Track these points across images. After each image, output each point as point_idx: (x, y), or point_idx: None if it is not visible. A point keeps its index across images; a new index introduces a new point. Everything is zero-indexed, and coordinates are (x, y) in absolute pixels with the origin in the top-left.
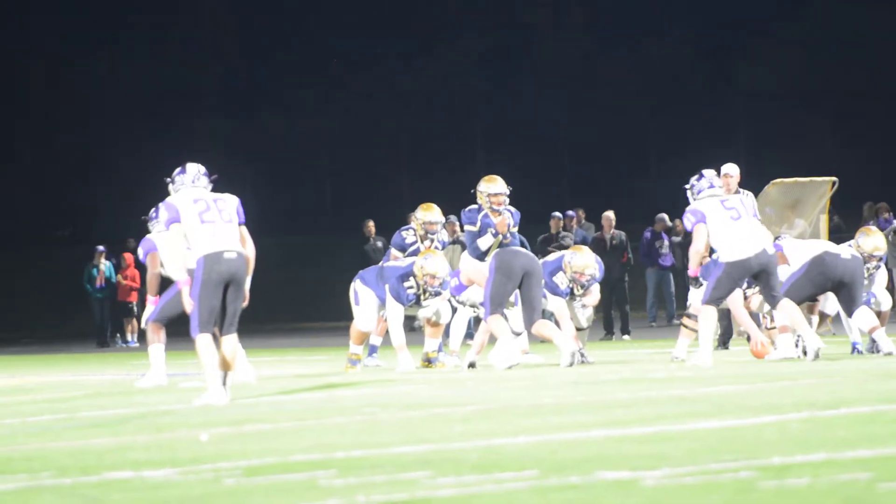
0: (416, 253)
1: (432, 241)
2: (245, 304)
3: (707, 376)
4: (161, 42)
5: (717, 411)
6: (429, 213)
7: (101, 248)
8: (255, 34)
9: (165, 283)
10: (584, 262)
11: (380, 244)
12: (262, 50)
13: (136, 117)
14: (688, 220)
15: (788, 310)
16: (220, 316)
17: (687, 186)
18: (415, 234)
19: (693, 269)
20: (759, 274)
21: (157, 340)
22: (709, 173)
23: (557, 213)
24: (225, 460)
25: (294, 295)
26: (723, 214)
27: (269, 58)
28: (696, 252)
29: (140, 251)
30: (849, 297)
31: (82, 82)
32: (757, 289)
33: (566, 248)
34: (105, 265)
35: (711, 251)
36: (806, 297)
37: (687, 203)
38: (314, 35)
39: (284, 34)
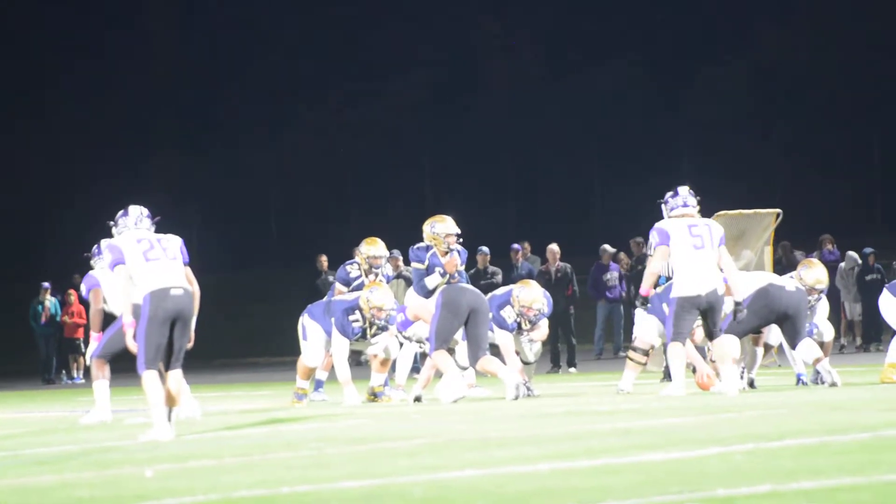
0: (360, 287)
1: (377, 275)
2: (190, 345)
3: (651, 408)
4: (108, 82)
5: (662, 443)
6: (373, 248)
7: (46, 284)
8: (203, 70)
9: (109, 319)
10: (531, 296)
11: (331, 279)
12: (209, 85)
13: (82, 157)
14: (652, 237)
15: (726, 346)
16: (166, 352)
17: (661, 201)
18: (359, 269)
19: (645, 289)
20: (705, 311)
21: (102, 376)
22: (683, 191)
23: (484, 248)
24: (170, 496)
25: (240, 330)
26: (687, 241)
27: (216, 94)
28: (651, 273)
29: (83, 287)
30: (793, 329)
31: (30, 121)
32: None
33: (497, 284)
34: (50, 301)
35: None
36: (751, 328)
37: (651, 222)
38: (262, 68)
39: (233, 69)
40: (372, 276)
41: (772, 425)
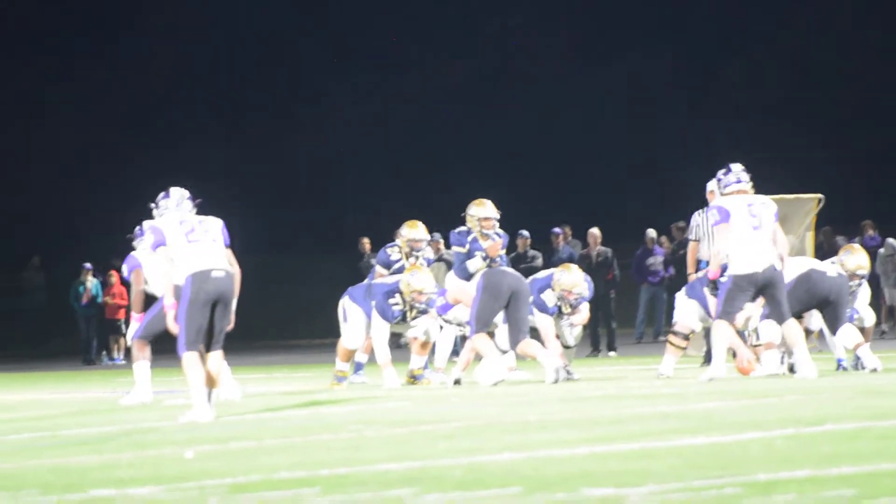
0: (401, 270)
1: (417, 258)
2: (230, 327)
3: (692, 392)
4: (144, 60)
5: (702, 428)
6: (414, 231)
7: (87, 265)
8: (238, 49)
9: (150, 301)
10: (572, 280)
11: (373, 261)
12: (248, 66)
13: (121, 135)
14: (712, 216)
15: (793, 330)
16: (207, 334)
17: (712, 182)
18: (400, 252)
19: (713, 272)
20: (764, 288)
21: (143, 357)
22: (736, 167)
23: (524, 232)
24: (210, 478)
25: (281, 312)
26: (746, 220)
27: (255, 75)
28: (716, 253)
29: (124, 268)
30: (833, 315)
31: (63, 103)
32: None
33: (537, 268)
34: (92, 282)
35: (699, 263)
36: (793, 314)
37: (698, 206)
38: (304, 48)
39: (271, 47)
40: (413, 260)
41: (812, 410)
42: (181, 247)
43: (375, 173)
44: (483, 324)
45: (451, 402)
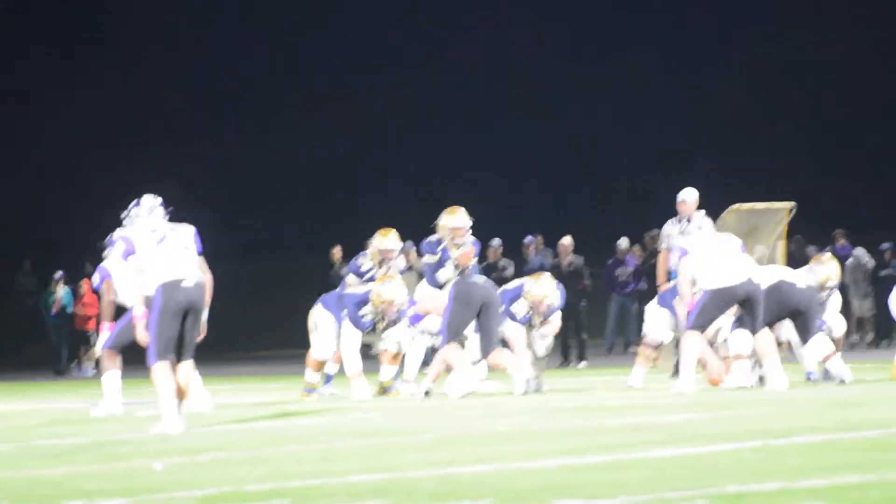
0: (373, 279)
1: (389, 268)
2: (201, 336)
3: (662, 404)
4: (120, 75)
5: (672, 439)
6: (385, 240)
7: (58, 274)
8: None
9: (121, 311)
10: (543, 291)
11: (343, 272)
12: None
13: (96, 146)
14: (674, 255)
15: (694, 344)
16: (177, 344)
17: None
18: (371, 261)
19: (686, 302)
20: (744, 302)
21: (113, 367)
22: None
23: (496, 241)
24: (180, 489)
25: (251, 323)
26: (717, 237)
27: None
28: (684, 275)
29: (96, 277)
30: (804, 326)
31: (45, 110)
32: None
33: (507, 278)
34: (62, 292)
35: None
36: (763, 324)
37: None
38: (273, 58)
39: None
40: (384, 269)
41: (782, 422)
42: (152, 256)
43: (339, 183)
44: (454, 334)
45: (422, 413)
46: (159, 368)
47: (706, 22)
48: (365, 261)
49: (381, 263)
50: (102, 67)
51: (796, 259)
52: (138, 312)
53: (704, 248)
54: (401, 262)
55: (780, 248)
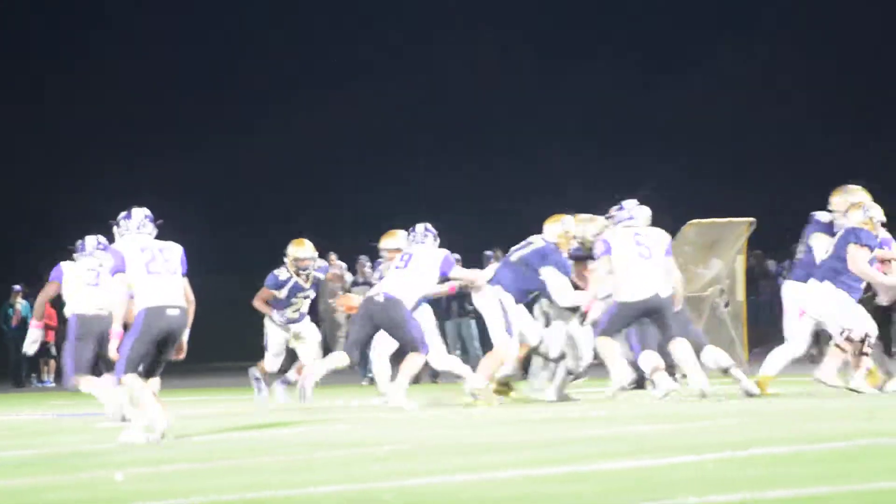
0: (294, 288)
1: (308, 277)
2: (182, 356)
3: (624, 416)
4: (96, 83)
5: (633, 451)
6: (300, 249)
7: (17, 287)
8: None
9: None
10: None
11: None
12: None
13: (62, 162)
14: (597, 247)
15: (608, 346)
16: (150, 363)
17: (606, 216)
18: (287, 271)
19: (587, 303)
20: (651, 314)
21: (92, 380)
22: (628, 204)
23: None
24: (144, 500)
25: (222, 333)
26: (632, 250)
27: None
28: (595, 283)
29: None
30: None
31: (14, 123)
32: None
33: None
34: (21, 304)
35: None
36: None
37: None
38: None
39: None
40: (303, 278)
41: (744, 433)
42: (140, 277)
43: (289, 195)
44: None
45: (386, 424)
46: (128, 379)
47: None
48: (282, 272)
49: (297, 272)
50: (72, 79)
51: (755, 274)
52: (116, 329)
53: (623, 256)
54: (317, 271)
55: (740, 262)
